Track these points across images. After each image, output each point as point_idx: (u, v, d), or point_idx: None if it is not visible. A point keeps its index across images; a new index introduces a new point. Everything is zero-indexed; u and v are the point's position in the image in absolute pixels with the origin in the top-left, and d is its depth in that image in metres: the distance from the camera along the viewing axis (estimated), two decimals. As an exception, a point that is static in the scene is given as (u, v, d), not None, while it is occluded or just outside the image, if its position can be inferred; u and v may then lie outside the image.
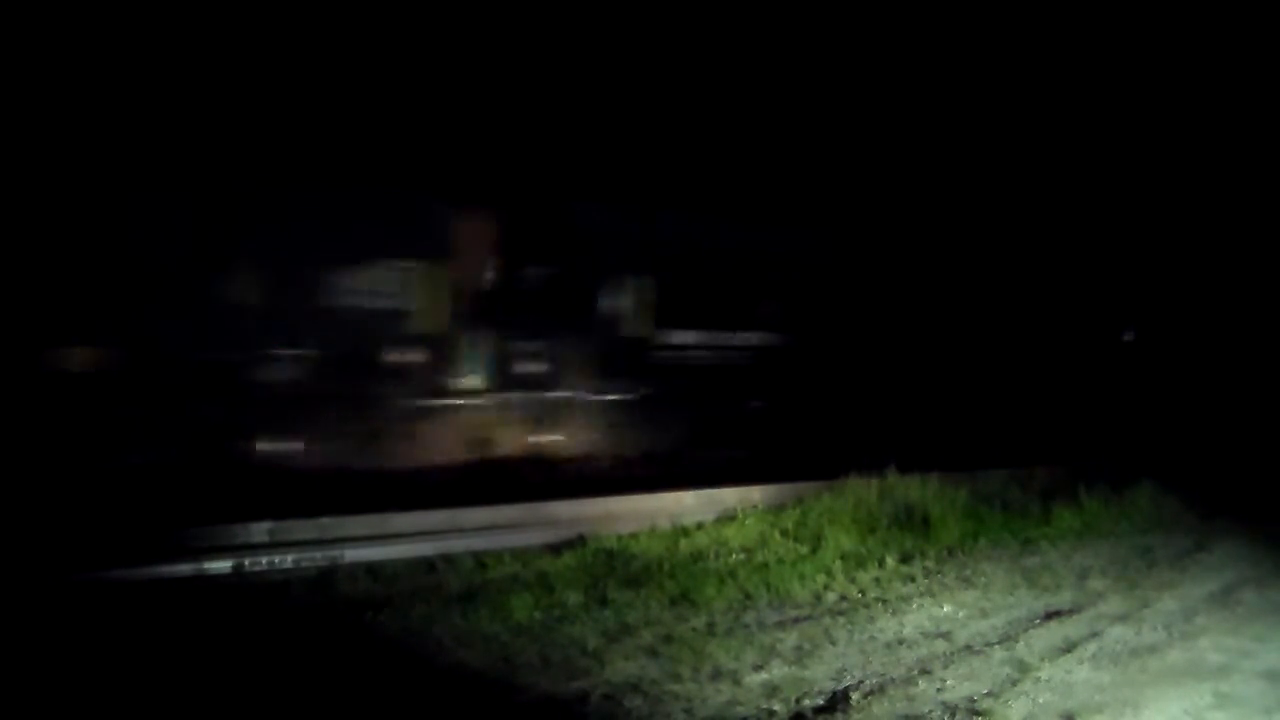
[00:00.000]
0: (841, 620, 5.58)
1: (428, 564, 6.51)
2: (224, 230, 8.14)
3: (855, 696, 4.41)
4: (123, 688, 4.35)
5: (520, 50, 9.98)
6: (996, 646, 5.16)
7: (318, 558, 6.45)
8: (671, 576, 6.25)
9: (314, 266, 8.43)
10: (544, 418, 9.52)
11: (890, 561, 6.83)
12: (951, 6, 12.57)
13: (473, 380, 9.18)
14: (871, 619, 5.63)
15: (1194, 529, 8.28)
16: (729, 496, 8.34)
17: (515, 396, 9.36)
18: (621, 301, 10.23)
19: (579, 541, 7.09)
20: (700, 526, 7.72)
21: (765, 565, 6.62)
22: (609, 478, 9.54)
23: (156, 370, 7.74)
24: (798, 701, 4.38)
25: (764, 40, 11.56)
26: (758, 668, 4.78)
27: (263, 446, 8.01)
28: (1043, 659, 4.96)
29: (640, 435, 10.08)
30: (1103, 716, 4.28)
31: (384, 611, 5.46)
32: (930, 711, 4.28)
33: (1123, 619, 5.71)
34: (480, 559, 6.61)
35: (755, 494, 8.46)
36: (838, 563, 6.70)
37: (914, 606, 5.89)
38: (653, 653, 4.97)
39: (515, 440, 9.32)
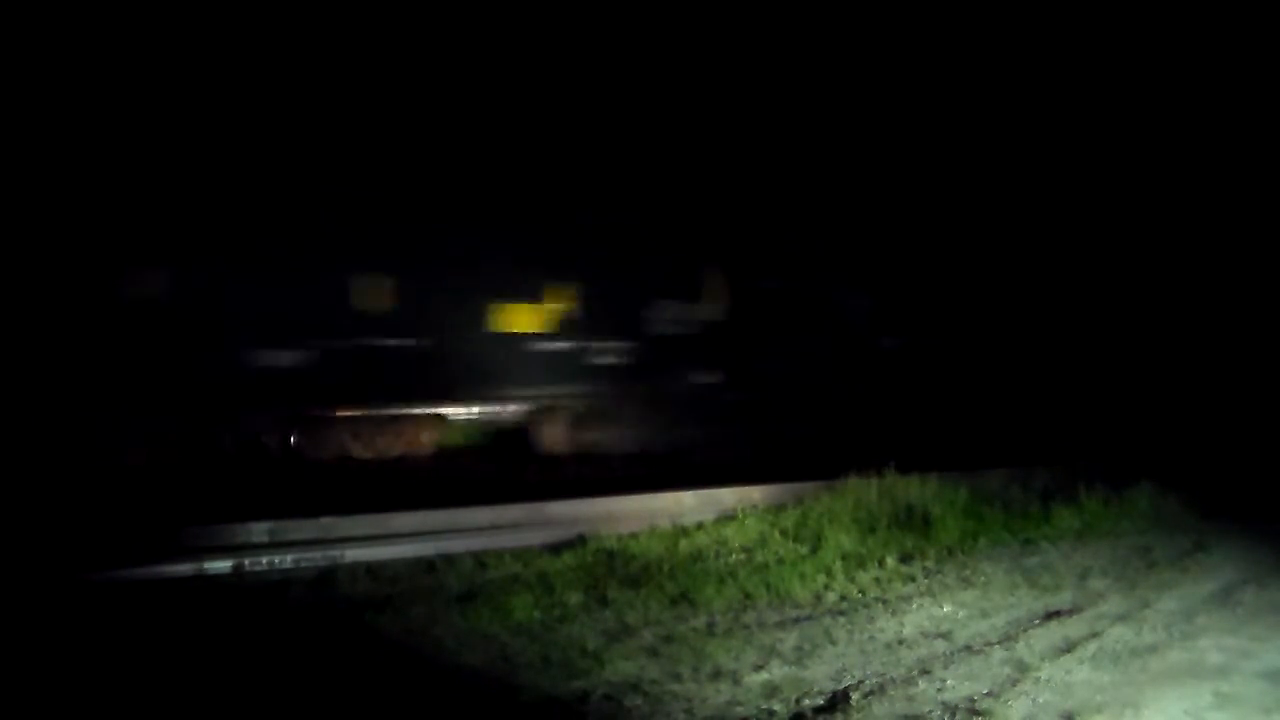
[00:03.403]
0: (841, 620, 5.58)
1: (428, 564, 6.51)
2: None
3: (855, 696, 4.41)
4: (125, 687, 4.35)
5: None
6: (996, 646, 5.16)
7: (318, 558, 6.45)
8: (671, 576, 6.25)
9: None
10: None
11: (890, 561, 6.83)
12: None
13: None
14: (871, 619, 5.63)
15: (1194, 529, 8.27)
16: (728, 496, 8.34)
17: None
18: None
19: (579, 541, 7.09)
20: (700, 526, 7.71)
21: (765, 565, 6.62)
22: (609, 478, 9.55)
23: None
24: (798, 701, 4.38)
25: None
26: (758, 668, 4.78)
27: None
28: (1043, 659, 4.96)
29: None
30: (1103, 716, 4.28)
31: (384, 611, 5.46)
32: (930, 711, 4.28)
33: (1123, 619, 5.71)
34: (480, 559, 6.62)
35: (755, 494, 8.45)
36: (838, 563, 6.70)
37: (914, 606, 5.88)
38: (653, 653, 4.97)
39: None
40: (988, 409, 12.60)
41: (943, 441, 11.04)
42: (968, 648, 5.15)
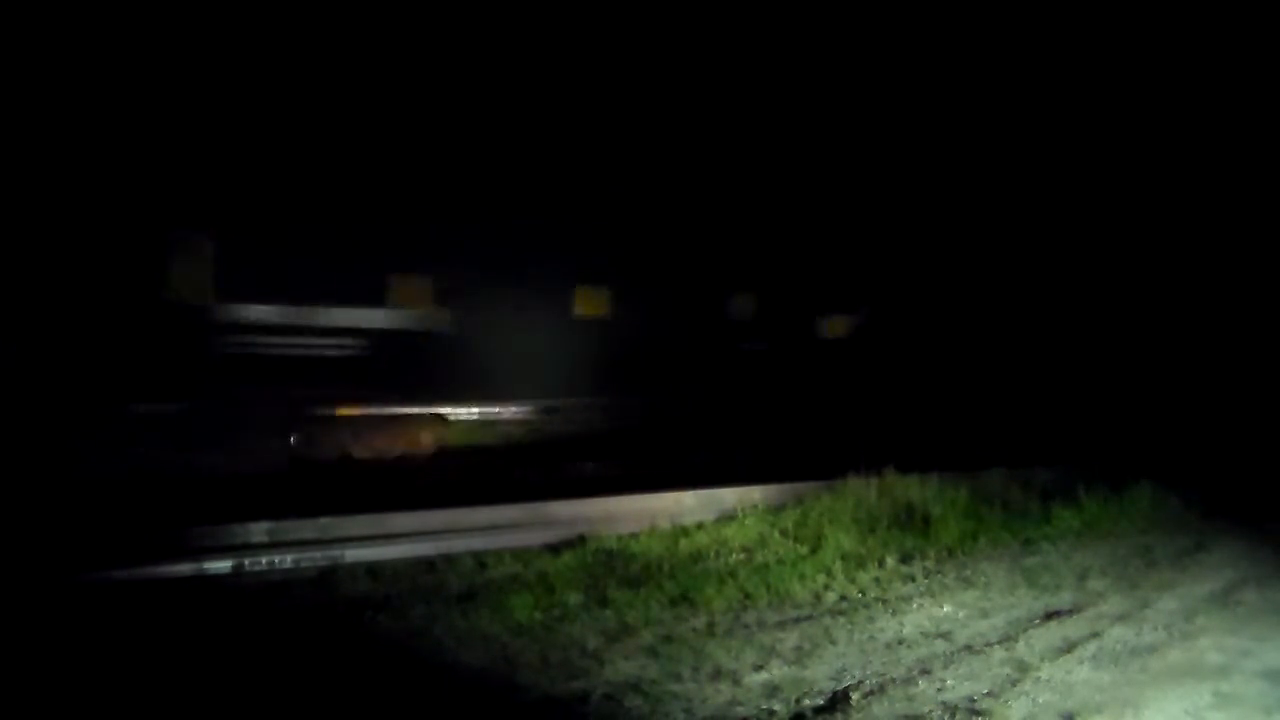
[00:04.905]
0: (841, 620, 5.59)
1: (428, 564, 6.51)
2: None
3: (855, 696, 4.41)
4: (124, 687, 4.35)
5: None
6: (996, 646, 5.16)
7: (318, 558, 6.45)
8: (671, 576, 6.25)
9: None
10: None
11: (890, 561, 6.83)
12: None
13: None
14: (871, 619, 5.63)
15: (1194, 528, 8.27)
16: (729, 496, 8.33)
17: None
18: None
19: (579, 541, 7.08)
20: (700, 526, 7.71)
21: (765, 565, 6.62)
22: (609, 478, 9.54)
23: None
24: (798, 701, 4.38)
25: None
26: (758, 668, 4.78)
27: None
28: (1043, 659, 4.96)
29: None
30: (1103, 716, 4.28)
31: (384, 611, 5.46)
32: (930, 711, 4.29)
33: (1123, 619, 5.72)
34: (480, 559, 6.62)
35: (755, 494, 8.44)
36: (838, 563, 6.70)
37: (914, 606, 5.89)
38: (653, 653, 4.97)
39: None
40: (987, 409, 12.60)
41: (943, 441, 11.04)
42: (968, 648, 5.15)
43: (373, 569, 6.34)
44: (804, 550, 7.04)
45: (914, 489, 8.46)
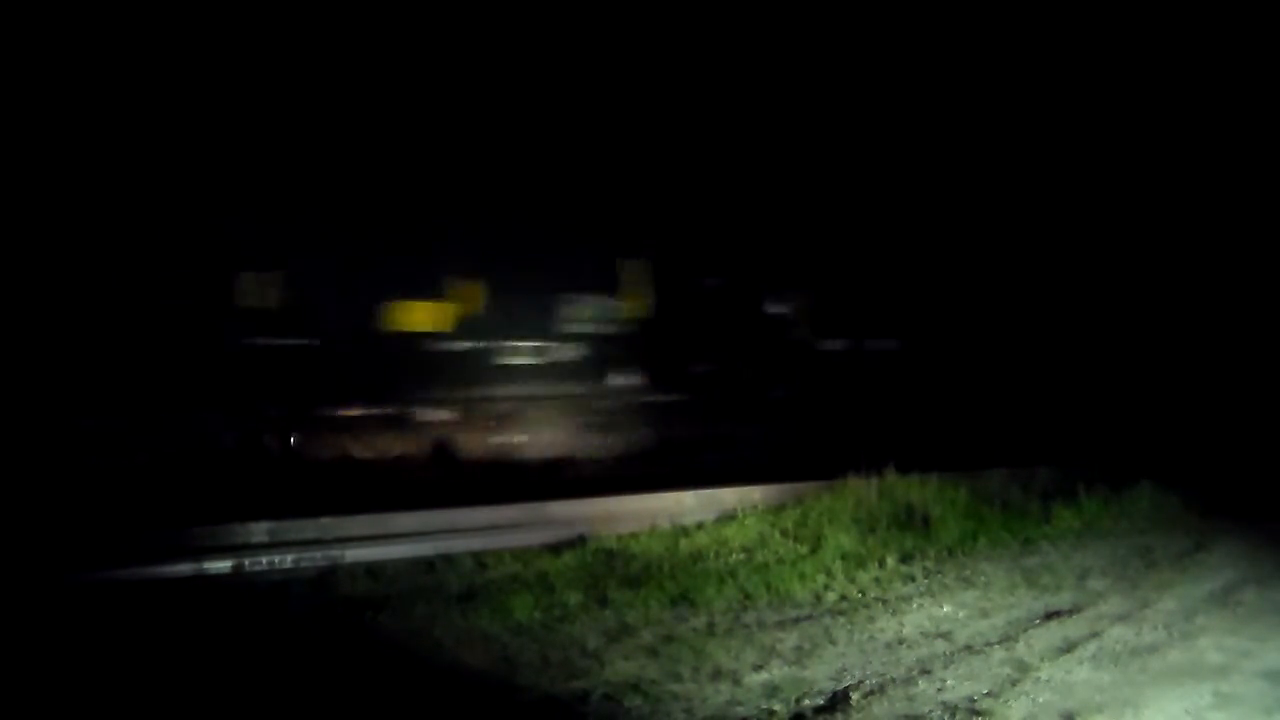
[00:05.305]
0: (841, 620, 5.59)
1: (428, 564, 6.52)
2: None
3: (855, 696, 4.41)
4: (124, 687, 4.35)
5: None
6: (996, 646, 5.16)
7: (318, 558, 6.46)
8: (671, 576, 6.25)
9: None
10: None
11: (890, 561, 6.83)
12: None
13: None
14: (871, 619, 5.63)
15: (1194, 529, 8.27)
16: (729, 496, 8.34)
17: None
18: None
19: (579, 541, 7.10)
20: (700, 526, 7.72)
21: (765, 565, 6.62)
22: (609, 477, 9.55)
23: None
24: (798, 701, 4.38)
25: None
26: (758, 668, 4.78)
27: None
28: (1043, 659, 4.96)
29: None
30: (1103, 716, 4.28)
31: (384, 611, 5.46)
32: (930, 711, 4.28)
33: (1123, 619, 5.71)
34: (480, 559, 6.62)
35: (755, 494, 8.45)
36: (838, 563, 6.71)
37: (914, 606, 5.89)
38: (653, 653, 4.97)
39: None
40: (987, 409, 12.60)
41: (943, 441, 11.03)
42: (968, 648, 5.15)
43: (373, 569, 6.35)
44: (804, 550, 7.05)
45: (914, 489, 8.46)
